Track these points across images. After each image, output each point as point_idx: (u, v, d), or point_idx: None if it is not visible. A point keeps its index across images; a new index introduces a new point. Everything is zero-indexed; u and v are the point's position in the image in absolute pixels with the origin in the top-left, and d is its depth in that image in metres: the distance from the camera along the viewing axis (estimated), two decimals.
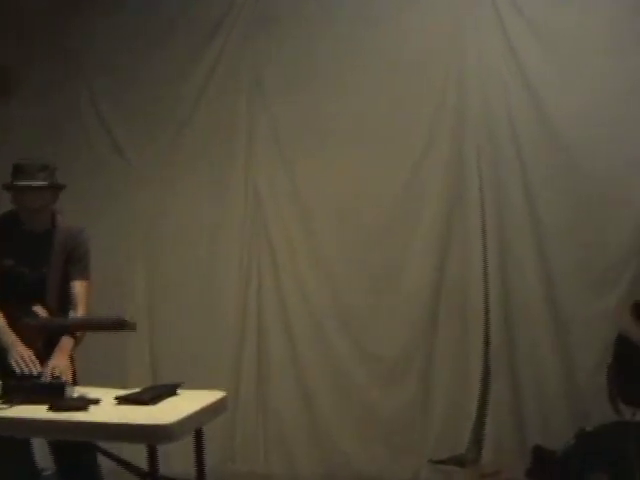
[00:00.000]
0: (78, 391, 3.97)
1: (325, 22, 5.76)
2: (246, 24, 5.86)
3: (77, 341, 4.19)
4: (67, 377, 3.98)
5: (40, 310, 4.07)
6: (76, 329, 4.14)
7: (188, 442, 3.90)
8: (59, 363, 4.03)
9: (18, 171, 4.20)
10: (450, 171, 5.59)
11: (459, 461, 5.35)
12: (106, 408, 3.76)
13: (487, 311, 5.52)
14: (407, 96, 5.62)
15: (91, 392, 3.96)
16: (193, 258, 5.90)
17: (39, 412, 3.66)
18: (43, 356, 4.07)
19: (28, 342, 4.04)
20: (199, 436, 3.97)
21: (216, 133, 5.91)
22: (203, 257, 5.91)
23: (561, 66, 5.45)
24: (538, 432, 5.44)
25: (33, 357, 4.00)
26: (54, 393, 3.81)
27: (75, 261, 4.31)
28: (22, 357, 3.98)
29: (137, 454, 3.94)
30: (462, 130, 5.58)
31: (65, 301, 4.25)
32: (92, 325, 4.13)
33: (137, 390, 3.97)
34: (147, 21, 5.97)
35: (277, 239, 5.83)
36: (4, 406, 3.70)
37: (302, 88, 5.78)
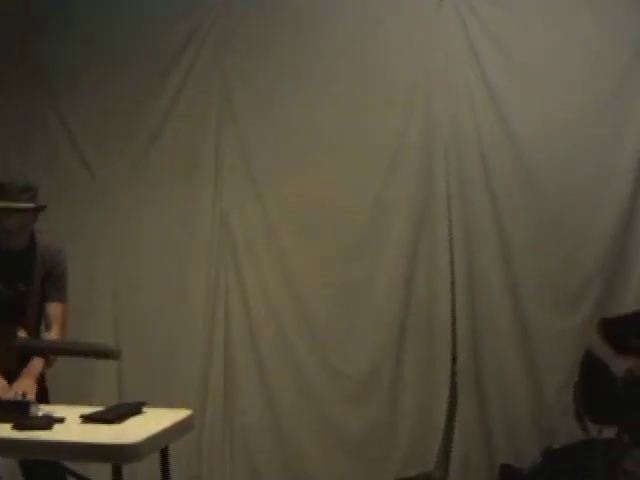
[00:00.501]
0: (43, 410, 3.93)
1: (296, 39, 5.76)
2: (216, 40, 5.85)
3: (49, 363, 4.15)
4: (32, 396, 3.94)
5: (19, 330, 4.02)
6: (60, 353, 4.11)
7: (154, 460, 3.87)
8: (25, 385, 3.99)
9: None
10: (418, 187, 5.60)
11: (427, 478, 5.35)
12: (71, 427, 3.71)
13: (454, 327, 5.53)
14: (375, 113, 5.64)
15: (57, 411, 3.91)
16: (161, 276, 5.87)
17: (3, 431, 3.60)
18: (15, 376, 4.03)
19: (3, 363, 3.99)
20: (165, 455, 3.95)
21: (185, 150, 5.88)
22: (171, 275, 5.87)
23: (526, 83, 5.50)
24: (505, 450, 5.46)
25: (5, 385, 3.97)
26: (18, 411, 3.76)
27: (53, 281, 4.28)
28: None
29: (103, 473, 3.90)
30: (429, 147, 5.59)
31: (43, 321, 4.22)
32: (77, 351, 4.07)
33: (102, 409, 3.93)
34: (115, 37, 5.94)
35: (245, 257, 5.80)
36: None
37: (271, 105, 5.77)
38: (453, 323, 5.54)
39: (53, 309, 4.24)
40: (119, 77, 5.91)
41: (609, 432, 4.44)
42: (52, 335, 4.17)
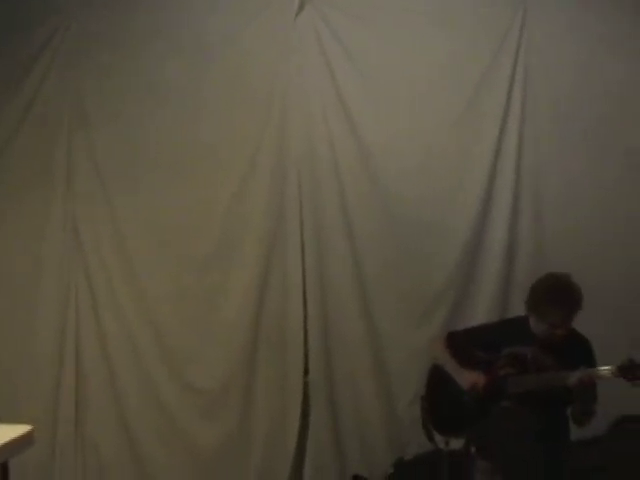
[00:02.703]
0: None
1: (151, 45, 5.67)
2: (71, 45, 5.71)
3: None
4: None
5: None
6: None
7: None
8: None
9: None
10: (271, 200, 5.57)
11: None
12: None
13: (306, 340, 5.53)
14: (230, 124, 5.60)
15: None
16: (10, 285, 5.71)
17: None
18: None
19: None
20: (4, 471, 3.81)
21: (37, 156, 5.73)
22: (21, 283, 5.71)
23: (380, 95, 5.53)
24: (358, 462, 5.49)
25: None
26: None
27: None
28: None
29: None
30: (283, 160, 5.58)
31: None
32: None
33: None
34: None
35: (96, 272, 5.69)
36: None
37: (124, 112, 5.68)
38: (305, 336, 5.54)
39: None
40: None
41: (456, 443, 4.51)
42: None
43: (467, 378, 4.35)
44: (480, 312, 5.36)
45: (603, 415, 4.95)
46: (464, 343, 4.49)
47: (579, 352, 4.30)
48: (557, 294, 4.21)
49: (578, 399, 4.17)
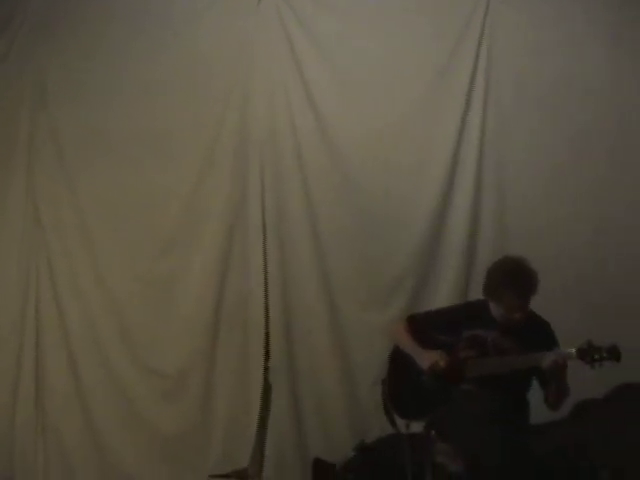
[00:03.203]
0: None
1: (109, 26, 5.67)
2: (32, 25, 5.70)
3: None
4: None
5: None
6: None
7: None
8: None
9: None
10: (232, 185, 5.57)
11: (241, 475, 5.32)
12: None
13: (267, 325, 5.52)
14: (192, 107, 5.60)
15: None
16: None
17: None
18: None
19: None
20: None
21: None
22: None
23: (345, 85, 5.55)
24: (320, 446, 5.48)
25: None
26: None
27: None
28: None
29: None
30: (245, 146, 5.57)
31: None
32: None
33: None
34: None
35: (56, 254, 5.68)
36: None
37: (85, 93, 5.68)
38: (266, 321, 5.53)
39: None
40: None
41: (417, 427, 4.51)
42: None
43: (427, 358, 4.33)
44: (442, 295, 5.38)
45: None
46: (425, 326, 4.49)
47: (539, 335, 4.30)
48: (512, 278, 4.20)
49: (553, 380, 4.17)
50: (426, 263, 5.48)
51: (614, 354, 4.02)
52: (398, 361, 4.55)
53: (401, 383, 4.54)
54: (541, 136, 5.43)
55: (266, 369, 5.52)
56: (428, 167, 5.49)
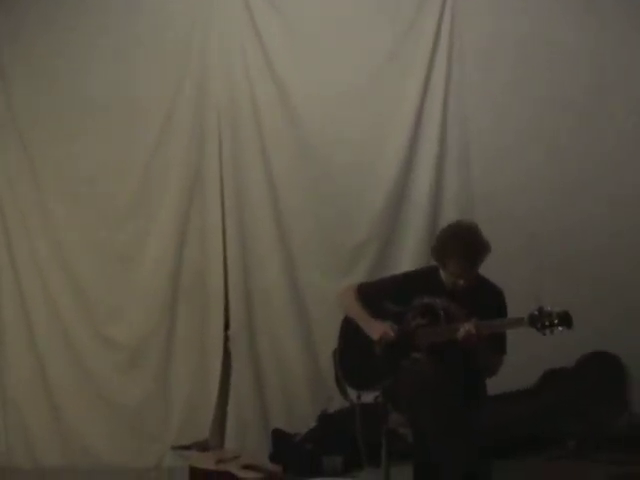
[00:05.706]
0: None
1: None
2: None
3: None
4: None
5: None
6: None
7: None
8: None
9: None
10: (190, 150, 5.51)
11: (202, 446, 5.25)
12: None
13: (226, 295, 5.46)
14: (148, 72, 5.51)
15: None
16: None
17: None
18: None
19: None
20: None
21: None
22: None
23: (303, 47, 5.50)
24: (282, 417, 5.46)
25: None
26: None
27: None
28: None
29: None
30: (202, 110, 5.50)
31: None
32: None
33: None
34: None
35: (12, 224, 5.58)
36: None
37: (40, 68, 5.56)
38: (225, 290, 5.46)
39: None
40: None
41: (368, 397, 4.41)
42: None
43: (376, 329, 4.22)
44: (404, 263, 5.31)
45: (528, 368, 4.98)
46: (375, 294, 4.36)
47: (490, 302, 4.19)
48: (458, 243, 4.08)
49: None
50: (388, 229, 5.45)
51: (565, 320, 3.90)
52: (349, 330, 4.43)
53: (352, 353, 4.42)
54: (506, 94, 5.44)
55: (226, 338, 5.45)
56: (391, 128, 5.45)
